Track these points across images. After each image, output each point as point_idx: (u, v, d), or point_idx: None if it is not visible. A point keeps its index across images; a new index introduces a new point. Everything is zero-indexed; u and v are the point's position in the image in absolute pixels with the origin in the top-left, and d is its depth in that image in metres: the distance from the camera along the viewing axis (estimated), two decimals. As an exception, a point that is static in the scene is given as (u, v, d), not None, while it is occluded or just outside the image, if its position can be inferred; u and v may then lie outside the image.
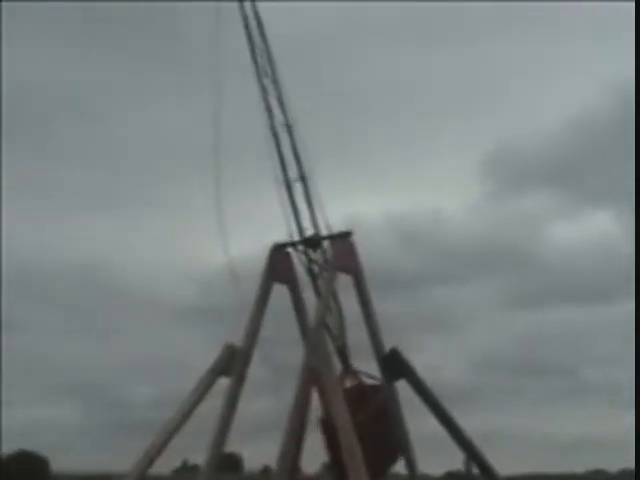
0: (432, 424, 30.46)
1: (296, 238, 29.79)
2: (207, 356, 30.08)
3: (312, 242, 29.74)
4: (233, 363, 29.17)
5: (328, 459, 29.30)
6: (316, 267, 29.94)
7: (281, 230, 29.76)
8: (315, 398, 28.79)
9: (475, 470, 31.15)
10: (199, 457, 30.40)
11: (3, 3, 58.03)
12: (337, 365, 29.02)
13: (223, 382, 29.60)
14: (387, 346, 30.38)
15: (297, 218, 29.59)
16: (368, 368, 31.09)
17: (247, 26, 29.88)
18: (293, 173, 29.76)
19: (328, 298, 28.50)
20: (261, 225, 30.74)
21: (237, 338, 29.80)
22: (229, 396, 29.11)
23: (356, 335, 31.91)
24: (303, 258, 30.02)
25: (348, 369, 29.81)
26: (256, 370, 29.86)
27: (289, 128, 29.63)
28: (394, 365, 29.93)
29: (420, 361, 30.90)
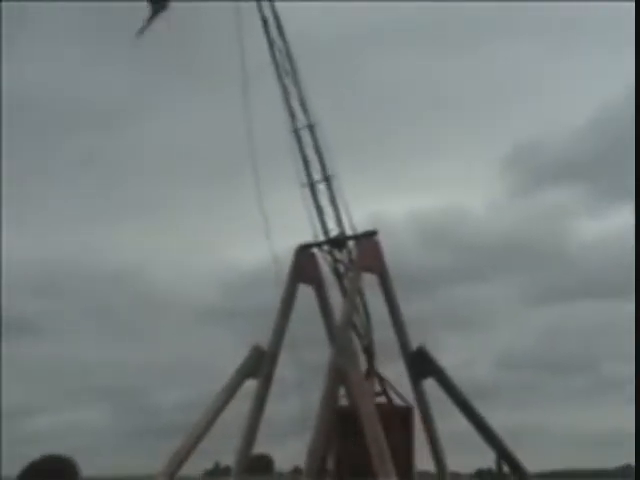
0: (460, 422, 30.37)
1: (321, 238, 29.79)
2: (235, 358, 30.19)
3: (337, 242, 29.73)
4: (260, 364, 29.24)
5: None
6: (341, 267, 29.90)
7: (306, 231, 29.80)
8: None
9: (505, 468, 31.04)
10: (231, 459, 30.39)
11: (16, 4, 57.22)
12: (363, 364, 28.80)
13: (251, 384, 29.68)
14: (413, 344, 30.34)
15: (321, 218, 29.59)
16: (395, 367, 31.11)
17: (266, 25, 29.88)
18: (317, 174, 29.72)
19: (354, 297, 28.48)
20: (286, 227, 30.69)
21: (265, 340, 29.88)
22: (257, 397, 29.20)
23: (382, 334, 31.88)
24: (328, 258, 30.02)
25: (372, 369, 29.74)
26: (283, 371, 29.86)
27: (311, 128, 29.61)
28: (421, 363, 29.88)
29: (445, 358, 30.84)
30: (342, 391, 28.64)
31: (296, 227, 30.39)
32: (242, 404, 29.76)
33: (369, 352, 29.73)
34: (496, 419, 31.17)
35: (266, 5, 29.99)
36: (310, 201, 29.56)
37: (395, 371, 31.17)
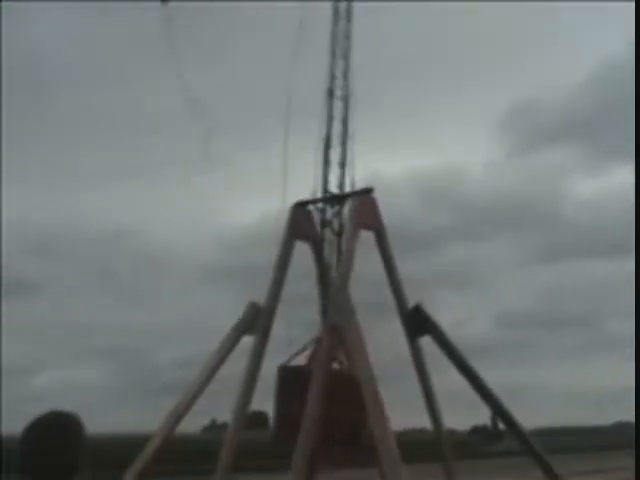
0: (457, 380, 30.45)
1: (319, 196, 29.70)
2: (233, 316, 30.22)
3: (334, 199, 29.64)
4: (257, 321, 29.31)
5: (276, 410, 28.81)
6: (338, 224, 29.80)
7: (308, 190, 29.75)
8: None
9: (501, 425, 31.21)
10: (227, 416, 30.59)
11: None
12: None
13: (247, 340, 29.73)
14: (410, 303, 30.35)
15: (325, 176, 29.48)
16: (392, 325, 31.18)
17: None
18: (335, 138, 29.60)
19: (351, 255, 28.37)
20: (294, 185, 30.63)
21: (262, 298, 29.91)
22: (253, 354, 29.25)
23: (378, 293, 31.96)
24: (324, 215, 29.93)
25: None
26: (280, 328, 29.90)
27: (346, 99, 29.55)
28: (418, 321, 29.92)
29: (443, 317, 30.87)
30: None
31: (303, 185, 30.20)
32: (238, 362, 29.88)
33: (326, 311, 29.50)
34: (493, 377, 31.29)
35: None
36: (320, 158, 29.46)
37: (391, 329, 31.36)
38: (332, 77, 29.81)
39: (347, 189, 29.76)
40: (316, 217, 30.07)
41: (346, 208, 29.51)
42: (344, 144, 29.49)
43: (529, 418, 35.95)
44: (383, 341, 32.14)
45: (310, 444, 25.70)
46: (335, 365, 28.87)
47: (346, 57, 29.83)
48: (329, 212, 29.83)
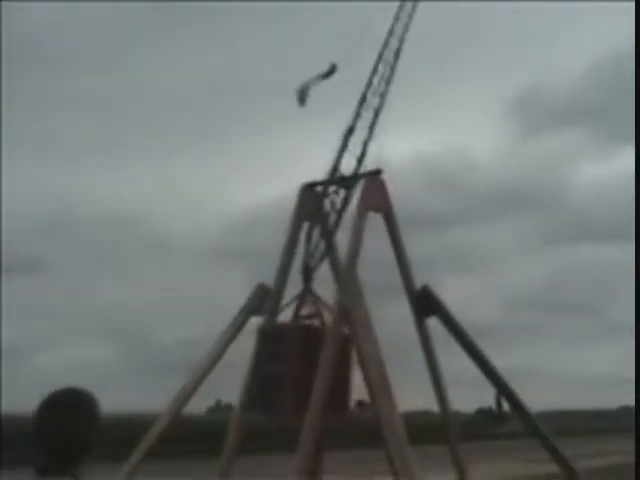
0: (463, 362, 30.51)
1: (328, 177, 29.63)
2: (241, 297, 30.29)
3: (342, 181, 29.56)
4: (265, 302, 29.33)
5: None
6: (343, 202, 29.73)
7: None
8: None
9: (506, 406, 31.26)
10: (232, 397, 30.67)
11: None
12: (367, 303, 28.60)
13: (255, 322, 29.75)
14: (417, 285, 30.34)
15: (338, 160, 29.43)
16: (400, 307, 31.18)
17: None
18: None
19: (359, 236, 28.33)
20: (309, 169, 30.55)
21: (270, 279, 29.91)
22: (257, 335, 29.21)
23: (386, 275, 31.93)
24: (334, 196, 29.86)
25: (307, 289, 29.52)
26: (288, 311, 29.91)
27: (382, 96, 29.48)
28: (425, 303, 29.91)
29: (448, 299, 30.80)
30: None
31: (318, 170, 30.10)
32: (247, 342, 29.87)
33: (308, 270, 29.46)
34: (501, 359, 31.37)
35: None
36: (339, 142, 29.42)
37: (399, 310, 31.37)
38: (369, 84, 29.66)
39: (357, 170, 29.69)
40: (325, 199, 30.02)
41: (355, 190, 29.42)
42: (367, 142, 29.41)
43: (533, 401, 35.94)
44: (390, 322, 32.20)
45: (317, 424, 25.73)
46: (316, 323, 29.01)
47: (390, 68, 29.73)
48: (338, 194, 29.77)
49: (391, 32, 29.64)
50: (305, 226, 30.10)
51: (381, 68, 29.52)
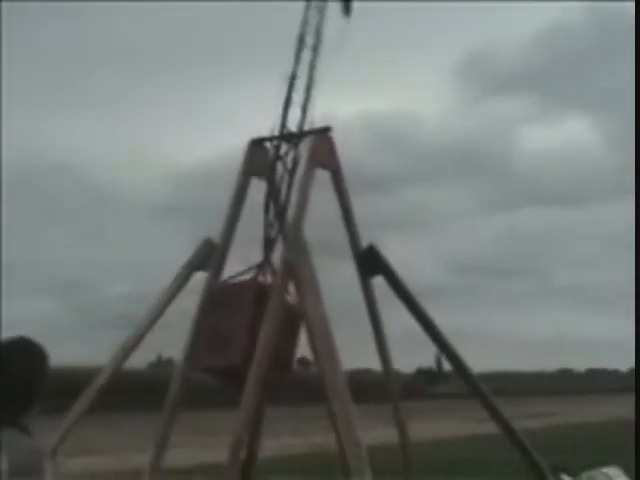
0: (406, 322, 30.61)
1: (276, 133, 29.37)
2: (185, 253, 29.98)
3: (290, 137, 29.33)
4: (210, 258, 29.12)
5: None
6: (292, 162, 29.53)
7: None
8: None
9: (446, 367, 31.60)
10: (173, 351, 30.56)
11: None
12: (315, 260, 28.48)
13: (199, 277, 29.55)
14: (364, 245, 30.33)
15: (285, 113, 29.12)
16: (344, 266, 31.19)
17: None
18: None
19: (306, 193, 28.20)
20: (253, 123, 30.25)
21: (216, 234, 29.67)
22: (206, 290, 29.07)
23: (332, 233, 31.91)
24: (281, 153, 29.63)
25: (267, 260, 29.43)
26: (233, 267, 29.76)
27: (316, 49, 28.97)
28: (370, 262, 29.92)
29: (393, 260, 30.84)
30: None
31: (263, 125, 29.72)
32: (190, 298, 29.70)
33: (269, 241, 29.36)
34: (443, 320, 31.40)
35: None
36: (282, 95, 29.00)
37: (345, 270, 31.37)
38: (305, 23, 29.22)
39: (304, 126, 29.44)
40: (272, 154, 29.76)
41: (303, 146, 29.20)
42: (309, 88, 29.03)
43: (476, 361, 36.33)
44: (336, 281, 32.20)
45: (261, 377, 25.69)
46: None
47: (321, 10, 29.23)
48: (285, 149, 29.53)
49: None
50: (252, 181, 29.87)
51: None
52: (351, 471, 23.89)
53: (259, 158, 29.78)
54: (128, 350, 28.57)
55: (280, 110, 29.81)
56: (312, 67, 29.34)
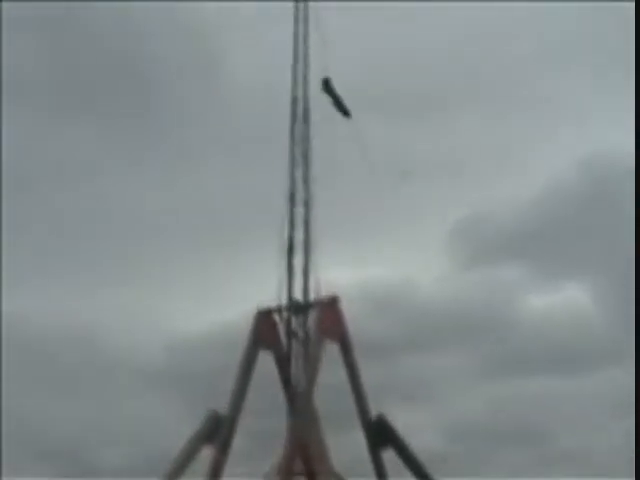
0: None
1: (283, 303, 29.44)
2: (182, 422, 29.41)
3: (299, 307, 29.42)
4: (217, 431, 28.36)
5: None
6: (302, 333, 29.55)
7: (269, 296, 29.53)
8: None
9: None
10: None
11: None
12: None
13: (205, 451, 28.85)
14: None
15: (289, 282, 29.32)
16: (353, 435, 30.64)
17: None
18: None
19: (317, 363, 28.18)
20: (251, 290, 30.49)
21: (214, 406, 29.11)
22: (213, 465, 28.23)
23: (339, 402, 31.49)
24: (289, 324, 29.65)
25: None
26: (239, 439, 29.18)
27: (307, 203, 29.75)
28: (380, 432, 29.59)
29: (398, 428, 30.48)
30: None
31: (262, 292, 29.95)
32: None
33: None
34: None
35: None
36: (283, 264, 29.36)
37: (353, 440, 30.76)
38: (292, 181, 29.98)
39: (310, 295, 29.60)
40: (280, 326, 29.73)
41: (311, 316, 29.32)
42: (307, 250, 29.44)
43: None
44: (345, 451, 31.64)
45: None
46: None
47: (306, 159, 30.07)
48: (294, 321, 29.57)
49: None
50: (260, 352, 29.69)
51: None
52: None
53: (267, 330, 29.57)
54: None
55: (279, 277, 29.93)
56: (307, 223, 29.62)
